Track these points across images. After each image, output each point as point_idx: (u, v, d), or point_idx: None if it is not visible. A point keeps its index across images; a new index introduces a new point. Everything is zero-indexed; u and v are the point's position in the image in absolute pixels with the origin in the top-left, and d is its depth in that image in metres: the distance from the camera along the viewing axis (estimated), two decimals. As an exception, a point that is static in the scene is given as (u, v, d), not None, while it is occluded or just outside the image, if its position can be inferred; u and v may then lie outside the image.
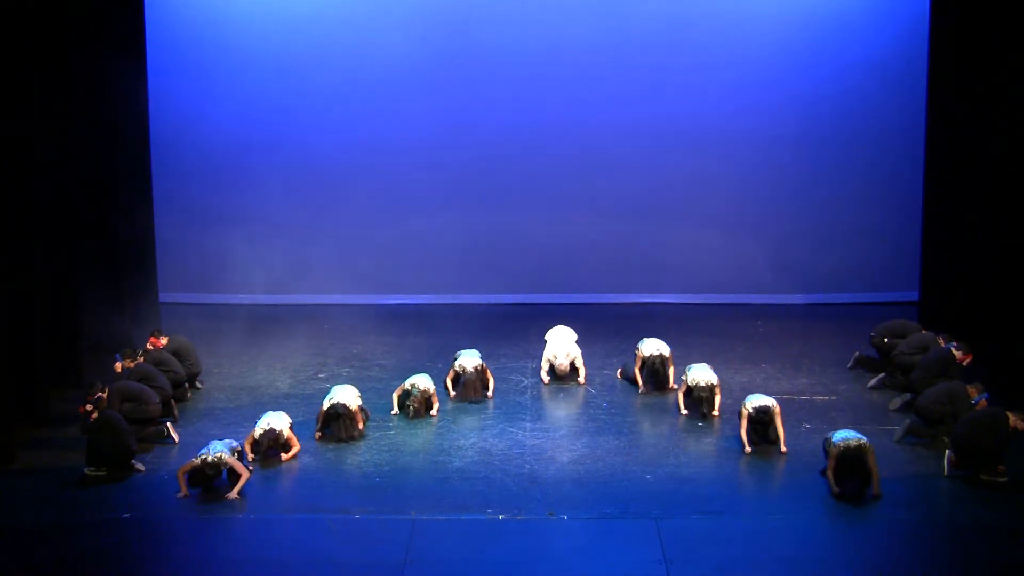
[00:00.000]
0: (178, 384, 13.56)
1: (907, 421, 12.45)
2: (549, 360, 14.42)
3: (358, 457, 12.05)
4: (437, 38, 17.97)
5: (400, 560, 9.76)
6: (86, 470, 11.39)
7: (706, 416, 13.09)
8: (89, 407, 11.48)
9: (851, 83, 17.94)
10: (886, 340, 14.39)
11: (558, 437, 12.61)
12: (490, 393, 13.84)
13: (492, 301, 18.20)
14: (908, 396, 13.22)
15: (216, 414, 13.25)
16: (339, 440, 12.38)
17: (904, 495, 11.02)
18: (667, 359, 13.88)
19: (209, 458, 11.03)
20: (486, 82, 18.10)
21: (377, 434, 12.68)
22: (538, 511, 10.70)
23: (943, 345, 13.41)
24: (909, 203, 17.47)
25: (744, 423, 12.17)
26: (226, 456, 11.09)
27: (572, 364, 14.41)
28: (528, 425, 12.96)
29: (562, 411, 13.55)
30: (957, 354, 13.13)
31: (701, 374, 13.16)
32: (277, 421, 11.99)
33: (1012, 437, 11.23)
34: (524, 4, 17.97)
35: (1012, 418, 11.18)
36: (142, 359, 13.15)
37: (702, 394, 13.05)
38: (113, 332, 14.52)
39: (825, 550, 10.07)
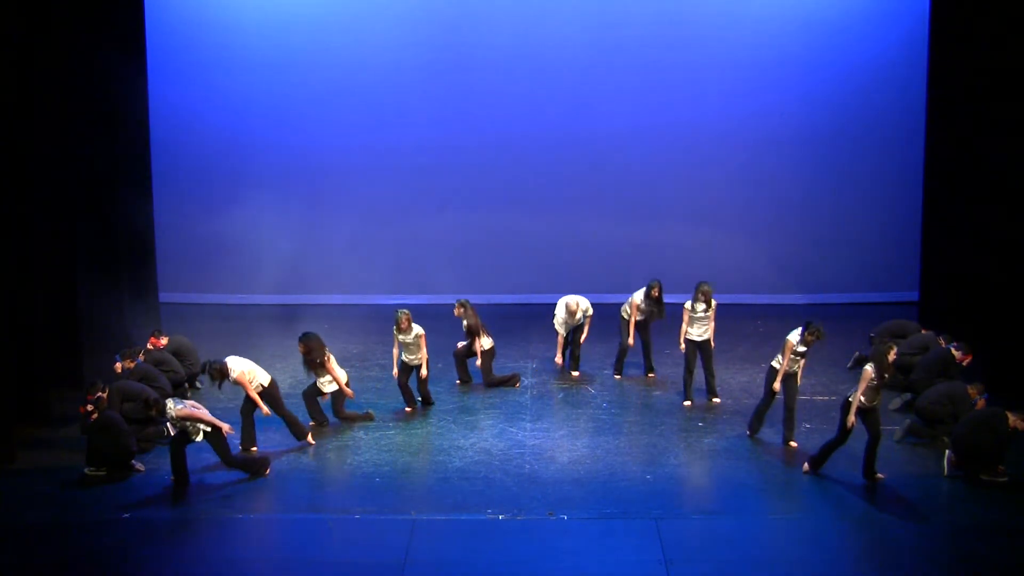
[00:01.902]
0: (178, 384, 13.60)
1: (907, 421, 12.47)
2: (566, 304, 14.46)
3: (358, 457, 12.05)
4: (437, 40, 17.99)
5: (400, 560, 9.76)
6: (86, 470, 11.40)
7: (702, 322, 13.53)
8: (89, 407, 11.48)
9: (851, 85, 17.98)
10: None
11: (558, 437, 12.61)
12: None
13: (492, 301, 18.19)
14: (908, 396, 13.24)
15: (216, 414, 13.13)
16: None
17: (904, 495, 11.03)
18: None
19: (162, 404, 11.22)
20: (486, 85, 18.12)
21: (377, 434, 12.68)
22: (538, 511, 10.70)
23: (943, 345, 13.40)
24: (909, 203, 17.49)
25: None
26: (174, 407, 11.13)
27: (585, 314, 14.55)
28: (528, 425, 12.95)
29: (562, 411, 13.54)
30: (957, 354, 13.13)
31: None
32: (236, 362, 12.19)
33: (1012, 437, 11.24)
34: (525, 6, 17.98)
35: (1012, 418, 11.18)
36: (142, 359, 13.16)
37: (704, 287, 13.46)
38: (113, 332, 14.53)
39: (825, 550, 10.05)
